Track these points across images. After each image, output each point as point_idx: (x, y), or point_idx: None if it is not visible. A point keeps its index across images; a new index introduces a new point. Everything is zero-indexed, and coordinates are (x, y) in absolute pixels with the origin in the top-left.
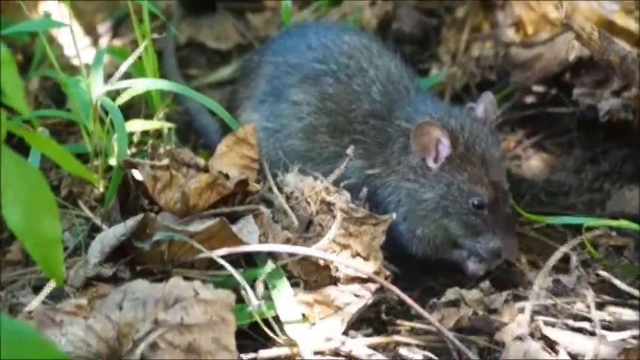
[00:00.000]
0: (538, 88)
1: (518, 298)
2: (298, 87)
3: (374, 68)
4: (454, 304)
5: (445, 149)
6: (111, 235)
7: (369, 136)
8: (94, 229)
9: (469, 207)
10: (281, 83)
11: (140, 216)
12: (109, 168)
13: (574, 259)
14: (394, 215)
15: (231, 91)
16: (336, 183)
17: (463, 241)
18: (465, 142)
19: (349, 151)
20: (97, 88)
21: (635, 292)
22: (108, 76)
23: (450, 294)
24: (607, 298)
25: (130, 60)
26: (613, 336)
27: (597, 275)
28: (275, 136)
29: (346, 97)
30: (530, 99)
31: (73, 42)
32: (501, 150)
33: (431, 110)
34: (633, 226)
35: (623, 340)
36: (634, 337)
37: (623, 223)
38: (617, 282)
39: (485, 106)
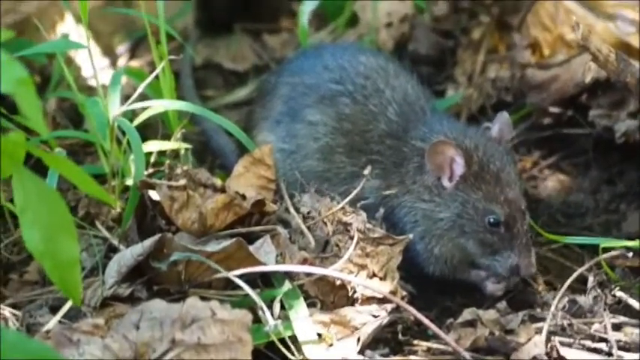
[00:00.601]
0: (554, 110)
1: (534, 318)
2: (315, 107)
3: (390, 89)
4: (471, 324)
5: (459, 168)
6: (128, 255)
7: (385, 156)
8: (112, 250)
9: (485, 225)
10: (297, 104)
11: (157, 236)
12: (126, 188)
13: (591, 280)
14: (411, 235)
15: (247, 112)
16: (353, 203)
17: (480, 261)
18: (479, 161)
19: (366, 171)
20: (114, 108)
21: None
22: (125, 97)
23: (467, 314)
24: (624, 318)
25: (148, 81)
26: (630, 356)
27: (614, 296)
28: (292, 157)
29: (363, 117)
30: (546, 120)
31: (91, 63)
32: (517, 169)
33: (446, 129)
34: None
35: None
36: None
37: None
38: (634, 303)
39: (500, 125)
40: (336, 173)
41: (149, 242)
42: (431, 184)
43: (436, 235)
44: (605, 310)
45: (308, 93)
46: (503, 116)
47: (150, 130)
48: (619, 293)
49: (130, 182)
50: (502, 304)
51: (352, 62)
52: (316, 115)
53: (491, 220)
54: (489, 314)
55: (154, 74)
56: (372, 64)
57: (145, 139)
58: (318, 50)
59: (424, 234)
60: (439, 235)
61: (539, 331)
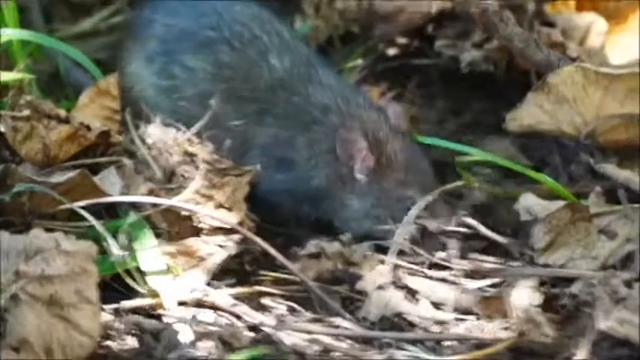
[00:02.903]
0: (401, 40)
1: (380, 248)
2: (191, 53)
3: (267, 35)
4: (315, 256)
5: (369, 160)
6: None
7: (280, 108)
8: None
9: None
10: (174, 47)
11: (0, 167)
12: None
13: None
14: (258, 166)
15: (114, 43)
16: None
17: None
18: (387, 153)
19: (212, 101)
20: None
21: (499, 238)
22: None
23: (311, 246)
24: (472, 245)
25: None
26: (474, 284)
27: (463, 223)
28: (166, 94)
29: (242, 64)
30: (393, 51)
31: None
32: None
33: (357, 113)
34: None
35: (481, 288)
36: (493, 286)
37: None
38: (483, 229)
39: (392, 111)
40: (213, 118)
41: None
42: (343, 171)
43: (343, 216)
44: (451, 237)
45: (184, 38)
46: (393, 105)
47: None
48: (468, 220)
49: None
50: (346, 236)
51: (227, 8)
52: (194, 61)
53: (410, 205)
54: (333, 247)
55: None
56: (246, 11)
57: None
58: None
59: (328, 207)
60: (347, 218)
61: (384, 259)
